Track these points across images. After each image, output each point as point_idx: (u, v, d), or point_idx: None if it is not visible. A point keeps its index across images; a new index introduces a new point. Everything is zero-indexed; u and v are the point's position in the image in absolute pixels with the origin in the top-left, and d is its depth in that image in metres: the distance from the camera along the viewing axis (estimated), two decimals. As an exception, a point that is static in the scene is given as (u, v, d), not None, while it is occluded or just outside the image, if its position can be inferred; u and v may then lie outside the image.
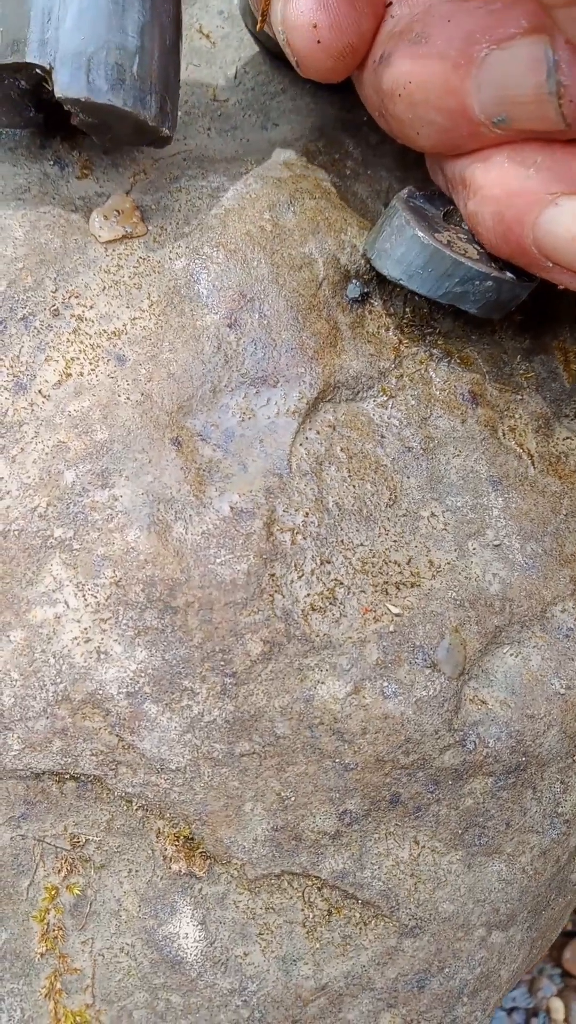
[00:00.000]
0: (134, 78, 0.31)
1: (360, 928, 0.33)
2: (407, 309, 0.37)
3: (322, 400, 0.35)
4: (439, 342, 0.37)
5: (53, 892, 0.31)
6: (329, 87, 0.41)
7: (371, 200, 0.40)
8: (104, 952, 0.32)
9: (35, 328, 0.33)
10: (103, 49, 0.31)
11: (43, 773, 0.31)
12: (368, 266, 0.37)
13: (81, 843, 0.32)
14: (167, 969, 0.32)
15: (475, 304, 0.34)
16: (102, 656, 0.31)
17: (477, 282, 0.33)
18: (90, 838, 0.32)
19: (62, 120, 0.34)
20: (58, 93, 0.30)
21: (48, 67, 0.30)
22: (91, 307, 0.34)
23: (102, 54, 0.30)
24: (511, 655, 0.34)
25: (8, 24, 0.31)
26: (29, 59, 0.30)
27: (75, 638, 0.31)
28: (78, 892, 0.31)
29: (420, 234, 0.32)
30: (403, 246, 0.33)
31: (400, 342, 0.36)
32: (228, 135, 0.39)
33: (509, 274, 0.33)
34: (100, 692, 0.31)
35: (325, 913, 0.33)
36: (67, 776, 0.31)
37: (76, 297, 0.34)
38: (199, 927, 0.32)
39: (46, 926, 0.31)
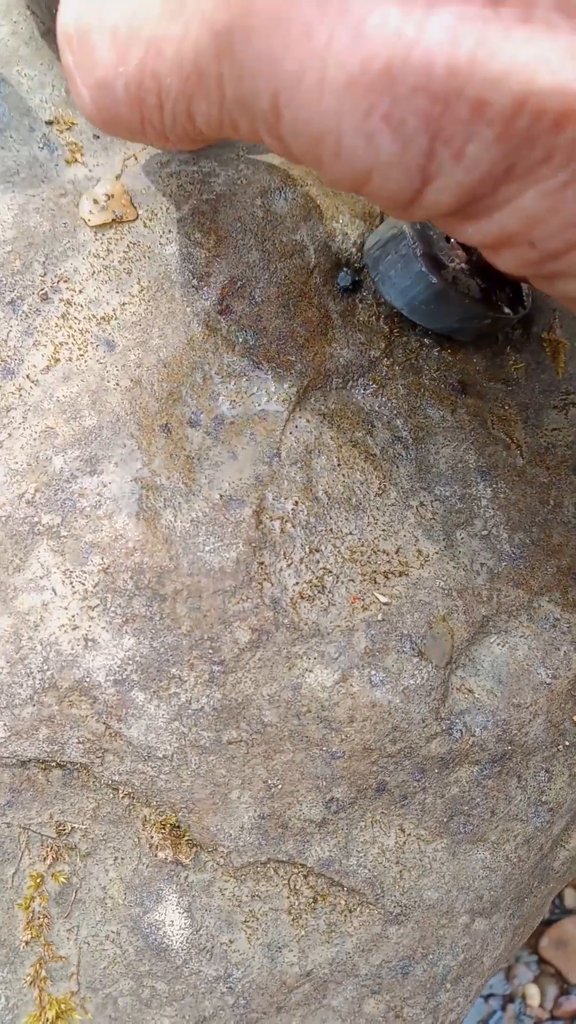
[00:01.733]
0: None
1: (345, 915, 0.33)
2: (398, 299, 0.37)
3: (312, 388, 0.34)
4: (429, 332, 0.36)
5: (38, 880, 0.31)
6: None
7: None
8: (89, 940, 0.31)
9: (23, 312, 0.33)
10: None
11: (29, 761, 0.31)
12: (359, 255, 0.37)
13: (67, 831, 0.31)
14: (152, 956, 0.32)
15: (469, 335, 0.35)
16: (89, 643, 0.30)
17: (476, 320, 0.34)
18: (76, 826, 0.31)
19: None
20: None
21: None
22: (80, 292, 0.34)
23: None
24: (498, 644, 0.34)
25: None
26: None
27: (62, 625, 0.30)
28: (63, 880, 0.31)
29: (427, 271, 0.32)
30: (409, 279, 0.33)
31: (391, 331, 0.36)
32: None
33: (507, 310, 0.33)
34: (87, 679, 0.30)
35: (311, 900, 0.33)
36: (53, 764, 0.31)
37: (65, 281, 0.34)
38: (185, 914, 0.32)
39: (31, 914, 0.31)
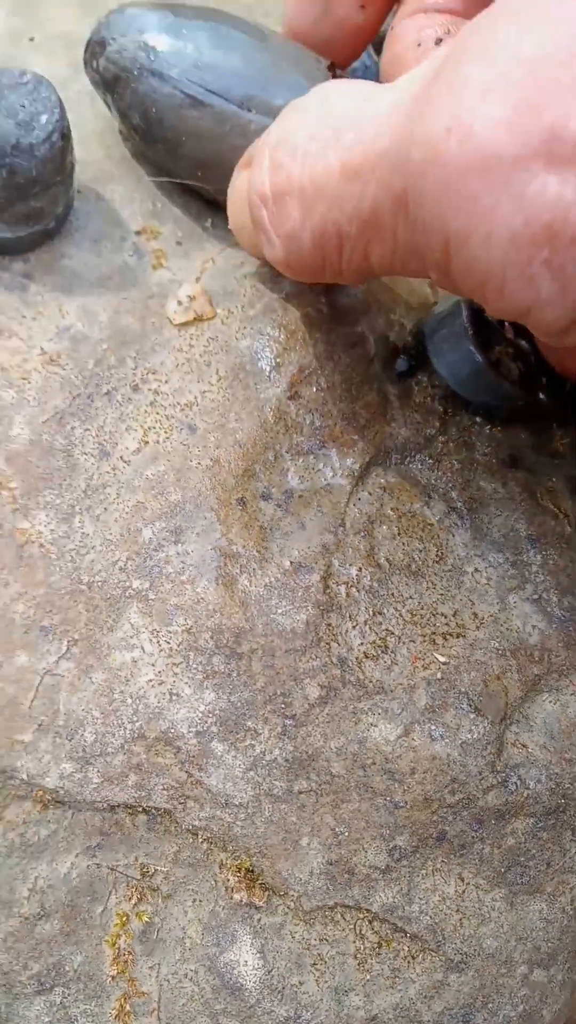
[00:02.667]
0: None
1: (408, 961, 0.35)
2: (451, 382, 0.40)
3: (374, 464, 0.38)
4: (480, 410, 0.40)
5: (124, 919, 0.34)
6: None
7: (418, 281, 0.43)
8: (169, 977, 0.34)
9: (117, 401, 0.37)
10: None
11: (118, 806, 0.33)
12: (415, 342, 0.40)
13: (150, 873, 0.34)
14: (228, 995, 0.34)
15: (504, 412, 0.39)
16: (174, 697, 0.34)
17: (512, 401, 0.38)
18: (158, 868, 0.34)
19: None
20: None
21: None
22: (166, 382, 0.38)
23: None
24: (550, 702, 0.36)
25: None
26: None
27: (150, 680, 0.34)
28: (147, 919, 0.34)
29: (473, 350, 0.36)
30: (456, 354, 0.37)
31: (445, 411, 0.39)
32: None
33: (542, 395, 0.37)
34: (172, 731, 0.33)
35: (375, 945, 0.35)
36: (140, 809, 0.34)
37: (153, 373, 0.38)
38: (258, 955, 0.34)
39: (117, 951, 0.33)
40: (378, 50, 0.44)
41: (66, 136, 0.37)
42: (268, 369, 0.38)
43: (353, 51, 0.41)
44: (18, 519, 0.35)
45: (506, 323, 0.39)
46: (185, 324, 0.39)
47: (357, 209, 0.27)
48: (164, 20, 0.39)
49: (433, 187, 0.23)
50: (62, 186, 0.39)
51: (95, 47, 0.40)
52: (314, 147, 0.28)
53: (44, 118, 0.36)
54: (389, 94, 0.27)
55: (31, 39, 0.47)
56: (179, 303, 0.40)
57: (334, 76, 0.39)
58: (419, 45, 0.35)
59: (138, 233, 0.42)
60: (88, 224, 0.41)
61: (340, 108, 0.28)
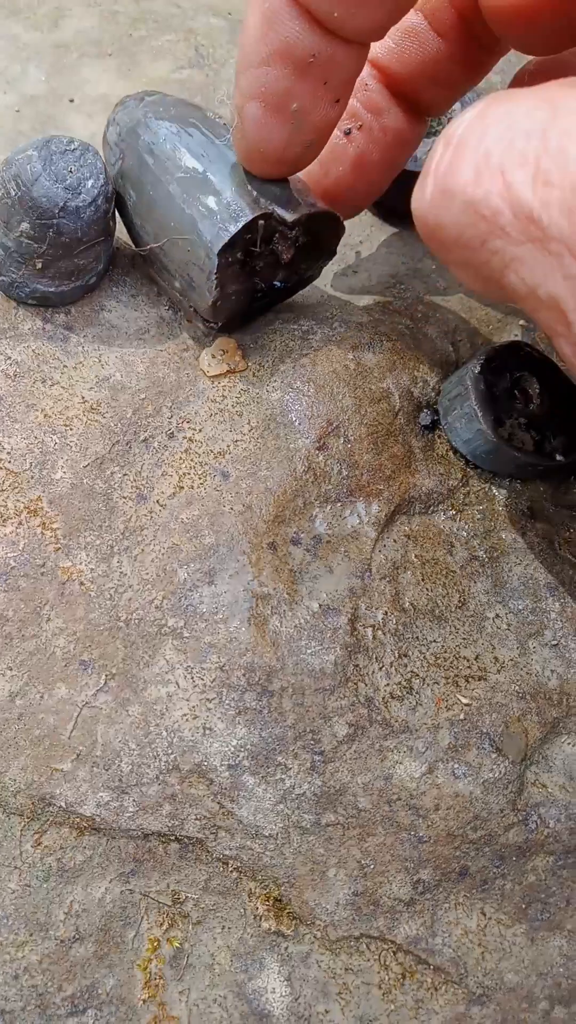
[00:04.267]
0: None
1: (431, 993, 0.41)
2: (473, 436, 0.48)
3: (398, 513, 0.45)
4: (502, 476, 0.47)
5: (155, 944, 0.40)
6: (401, 242, 0.54)
7: (440, 339, 0.52)
8: (199, 1003, 0.40)
9: (154, 448, 0.45)
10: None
11: (151, 834, 0.40)
12: (437, 397, 0.48)
13: (181, 900, 0.40)
14: (255, 1022, 0.40)
15: (523, 478, 0.48)
16: (207, 731, 0.40)
17: (529, 468, 0.46)
18: (189, 895, 0.40)
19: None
20: (292, 217, 0.42)
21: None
22: (200, 430, 0.45)
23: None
24: (569, 744, 0.43)
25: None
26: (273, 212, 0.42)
27: (184, 715, 0.40)
28: (177, 945, 0.40)
29: (485, 428, 0.44)
30: (470, 432, 0.45)
31: (467, 463, 0.47)
32: (314, 284, 0.52)
33: (559, 457, 0.45)
34: (205, 763, 0.40)
35: (399, 976, 0.41)
36: (172, 838, 0.40)
37: (188, 422, 0.46)
38: (285, 983, 0.40)
39: (148, 975, 0.40)
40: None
41: (109, 199, 0.46)
42: (298, 421, 0.46)
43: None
44: (60, 558, 0.42)
45: (516, 391, 0.47)
46: (218, 376, 0.47)
47: (529, 217, 0.25)
48: (139, 110, 0.47)
49: None
50: (104, 244, 0.47)
51: (108, 123, 0.49)
52: None
53: (90, 183, 0.45)
54: None
55: (71, 100, 0.57)
56: (212, 356, 0.48)
57: None
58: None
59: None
60: (126, 279, 0.49)
61: None
